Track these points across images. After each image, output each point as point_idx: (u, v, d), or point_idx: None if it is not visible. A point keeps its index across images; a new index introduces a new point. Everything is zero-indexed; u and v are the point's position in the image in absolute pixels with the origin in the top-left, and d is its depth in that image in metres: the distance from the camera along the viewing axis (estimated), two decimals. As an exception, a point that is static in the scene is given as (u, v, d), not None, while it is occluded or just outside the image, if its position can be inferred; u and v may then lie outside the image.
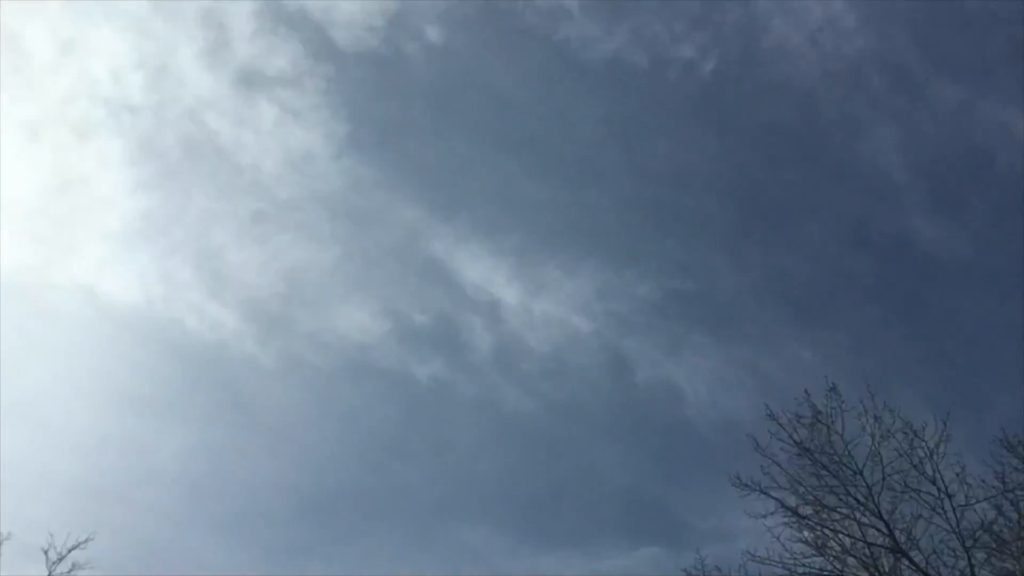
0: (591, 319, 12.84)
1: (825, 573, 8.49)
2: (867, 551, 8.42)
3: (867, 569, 8.45)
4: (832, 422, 8.78)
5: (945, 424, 8.33)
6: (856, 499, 8.57)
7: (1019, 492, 8.41)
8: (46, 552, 10.08)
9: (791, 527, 8.20)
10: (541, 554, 12.50)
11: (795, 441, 8.43)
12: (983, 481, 8.64)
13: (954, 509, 8.43)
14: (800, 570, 8.28)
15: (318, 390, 13.28)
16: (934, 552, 8.33)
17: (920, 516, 8.41)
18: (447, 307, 12.99)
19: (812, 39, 11.79)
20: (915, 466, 8.43)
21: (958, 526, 8.53)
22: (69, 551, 10.17)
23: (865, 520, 8.45)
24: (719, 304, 12.80)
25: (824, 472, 8.46)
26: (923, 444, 8.36)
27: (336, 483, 13.12)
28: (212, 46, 12.30)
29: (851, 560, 8.52)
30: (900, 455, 8.40)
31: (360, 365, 13.10)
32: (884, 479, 8.45)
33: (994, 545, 8.77)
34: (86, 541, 10.13)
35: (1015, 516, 8.56)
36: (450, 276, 12.85)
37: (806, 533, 8.33)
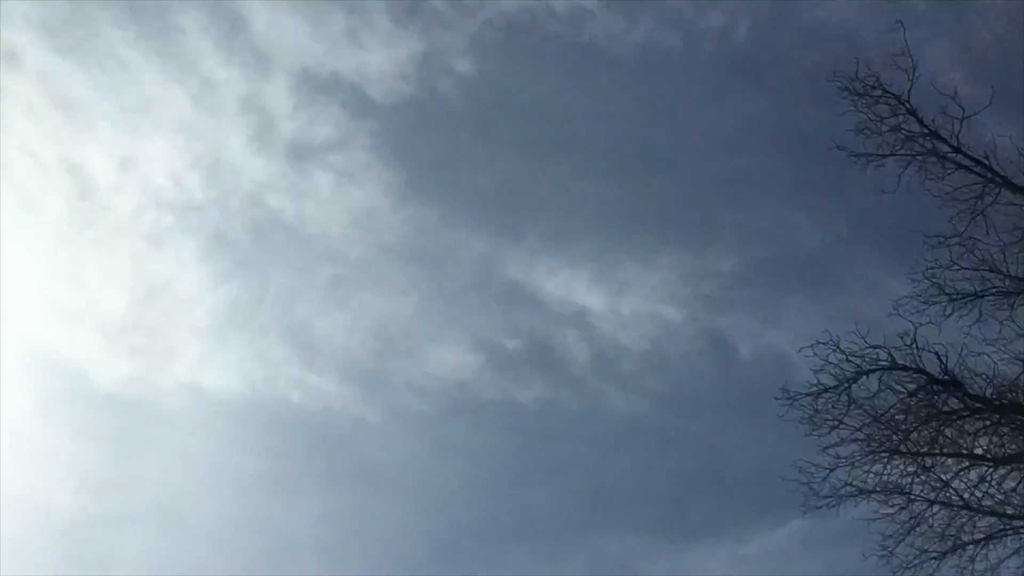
0: (681, 306, 13.62)
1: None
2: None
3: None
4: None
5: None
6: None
7: None
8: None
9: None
10: (683, 549, 13.24)
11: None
12: None
13: None
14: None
15: (427, 434, 13.90)
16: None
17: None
18: (536, 326, 13.73)
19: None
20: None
21: None
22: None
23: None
24: (807, 261, 13.59)
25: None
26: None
27: (463, 519, 13.71)
28: (258, 130, 13.09)
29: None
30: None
31: (463, 402, 13.74)
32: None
33: None
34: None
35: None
36: (532, 296, 13.62)
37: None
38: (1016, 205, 8.31)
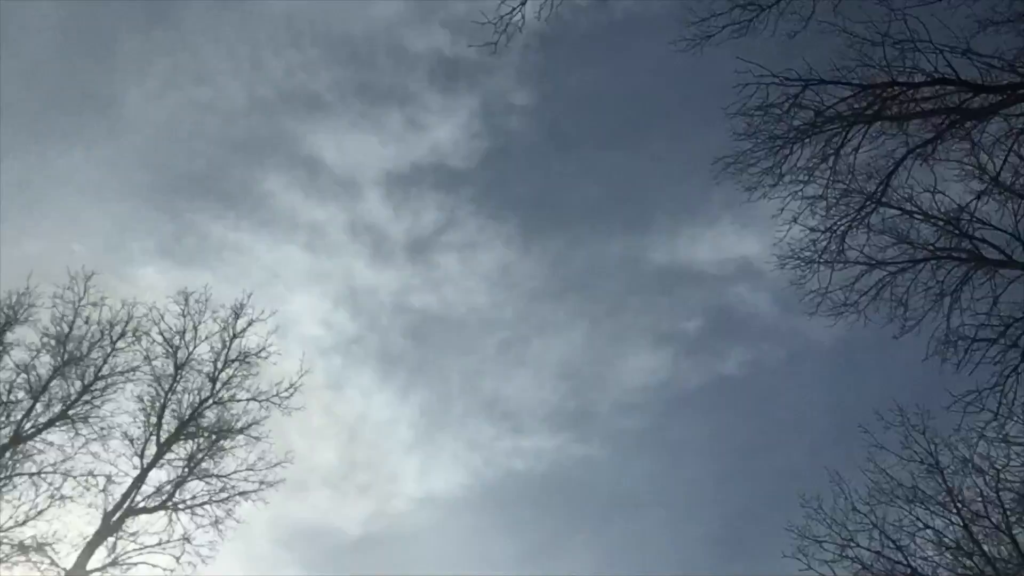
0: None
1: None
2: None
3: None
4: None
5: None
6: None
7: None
8: None
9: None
10: None
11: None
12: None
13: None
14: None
15: (654, 443, 13.98)
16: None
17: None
18: (706, 298, 13.53)
19: None
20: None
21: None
22: None
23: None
24: None
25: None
26: None
27: (732, 509, 13.63)
28: (374, 247, 13.69)
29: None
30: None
31: (673, 399, 13.73)
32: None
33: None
34: None
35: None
36: (688, 271, 13.42)
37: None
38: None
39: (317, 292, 13.99)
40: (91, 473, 8.76)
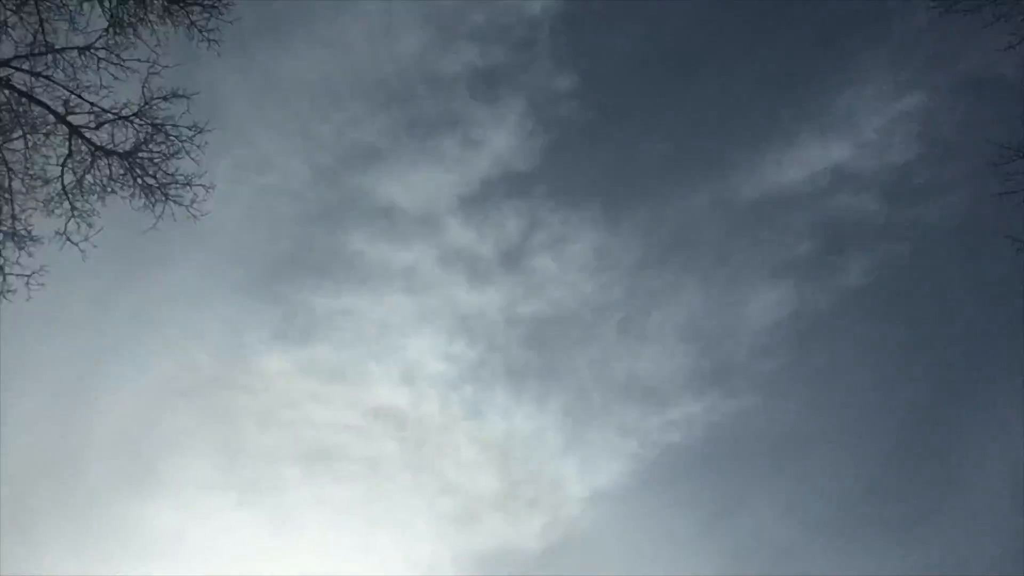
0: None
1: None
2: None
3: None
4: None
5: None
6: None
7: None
8: None
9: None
10: None
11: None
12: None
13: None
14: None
15: (802, 376, 13.78)
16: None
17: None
18: (810, 218, 13.25)
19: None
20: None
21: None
22: None
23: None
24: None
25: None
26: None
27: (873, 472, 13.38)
28: (469, 271, 13.92)
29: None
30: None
31: (807, 327, 13.53)
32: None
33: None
34: None
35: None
36: (786, 195, 13.13)
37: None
38: None
39: (429, 331, 14.24)
40: None
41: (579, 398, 14.01)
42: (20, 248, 8.01)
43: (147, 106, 8.07)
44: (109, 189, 8.21)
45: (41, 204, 8.17)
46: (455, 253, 13.99)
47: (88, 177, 8.22)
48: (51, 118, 8.03)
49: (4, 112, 7.89)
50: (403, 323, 14.16)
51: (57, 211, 8.20)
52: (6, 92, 7.81)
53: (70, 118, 8.06)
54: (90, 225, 8.18)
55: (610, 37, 13.23)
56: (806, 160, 13.01)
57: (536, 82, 13.45)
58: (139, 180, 8.28)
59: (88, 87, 7.96)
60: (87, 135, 8.14)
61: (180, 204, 8.33)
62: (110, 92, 8.00)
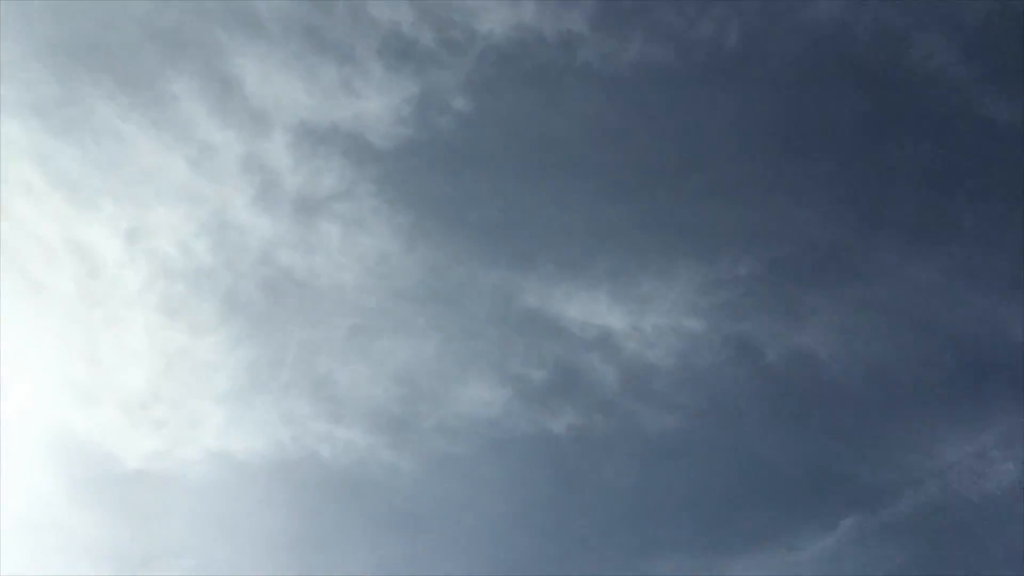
0: (703, 317, 13.46)
1: None
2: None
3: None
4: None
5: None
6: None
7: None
8: None
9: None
10: (732, 562, 13.03)
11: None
12: None
13: None
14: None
15: (462, 475, 13.66)
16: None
17: None
18: (560, 354, 13.53)
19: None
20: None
21: None
22: None
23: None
24: (823, 256, 13.51)
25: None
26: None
27: (510, 556, 13.44)
28: (261, 189, 13.06)
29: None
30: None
31: (495, 439, 13.51)
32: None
33: None
34: None
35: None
36: (553, 323, 13.44)
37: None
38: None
39: (185, 211, 13.25)
40: None
41: (271, 364, 13.53)
42: None
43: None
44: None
45: None
46: (260, 165, 13.24)
47: None
48: None
49: None
50: (166, 186, 13.12)
51: None
52: None
53: None
54: None
55: (523, 97, 13.42)
56: (591, 309, 13.73)
57: (439, 84, 13.32)
58: None
59: None
60: None
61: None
62: None
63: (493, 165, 13.56)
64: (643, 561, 13.60)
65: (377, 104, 13.10)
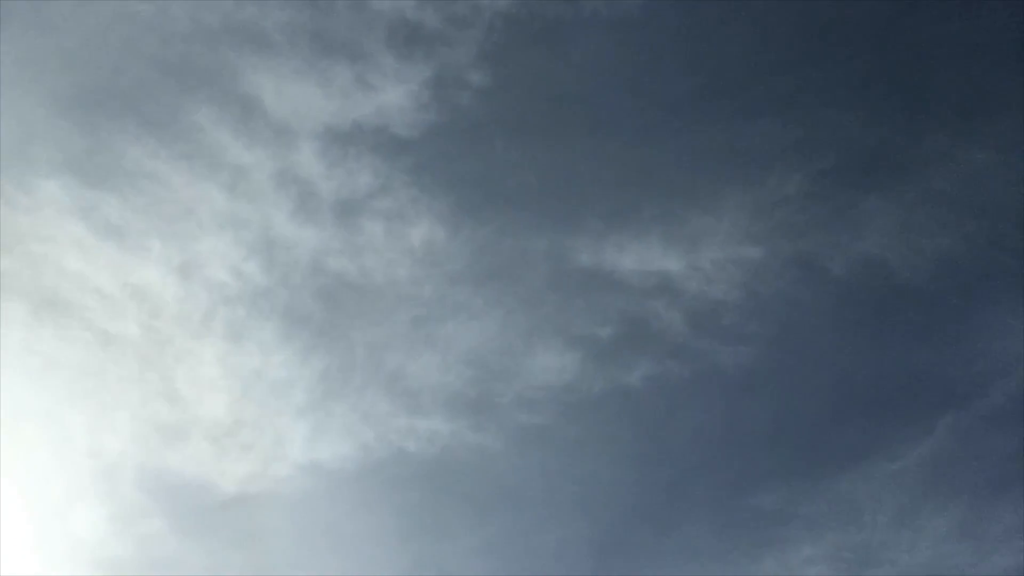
0: (760, 243, 13.27)
1: None
2: None
3: None
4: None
5: None
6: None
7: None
8: None
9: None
10: (836, 481, 13.12)
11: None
12: None
13: None
14: None
15: (549, 444, 13.75)
16: None
17: None
18: (623, 307, 13.43)
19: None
20: None
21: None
22: None
23: None
24: (870, 157, 13.23)
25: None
26: None
27: (613, 517, 13.61)
28: (298, 201, 13.11)
29: None
30: None
31: (574, 403, 13.55)
32: None
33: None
34: None
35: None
36: (610, 278, 13.35)
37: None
38: None
39: (231, 238, 13.37)
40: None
41: (342, 369, 13.63)
42: None
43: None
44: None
45: None
46: (294, 177, 13.30)
47: None
48: None
49: None
50: (208, 215, 13.22)
51: None
52: None
53: None
54: None
55: (539, 61, 13.27)
56: (644, 257, 13.58)
57: (453, 62, 13.24)
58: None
59: None
60: None
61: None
62: None
63: (521, 132, 13.45)
64: (746, 496, 13.50)
65: (395, 95, 13.05)
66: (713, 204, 13.49)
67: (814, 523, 13.46)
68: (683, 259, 13.54)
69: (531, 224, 13.55)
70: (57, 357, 12.83)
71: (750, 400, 13.79)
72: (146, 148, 12.94)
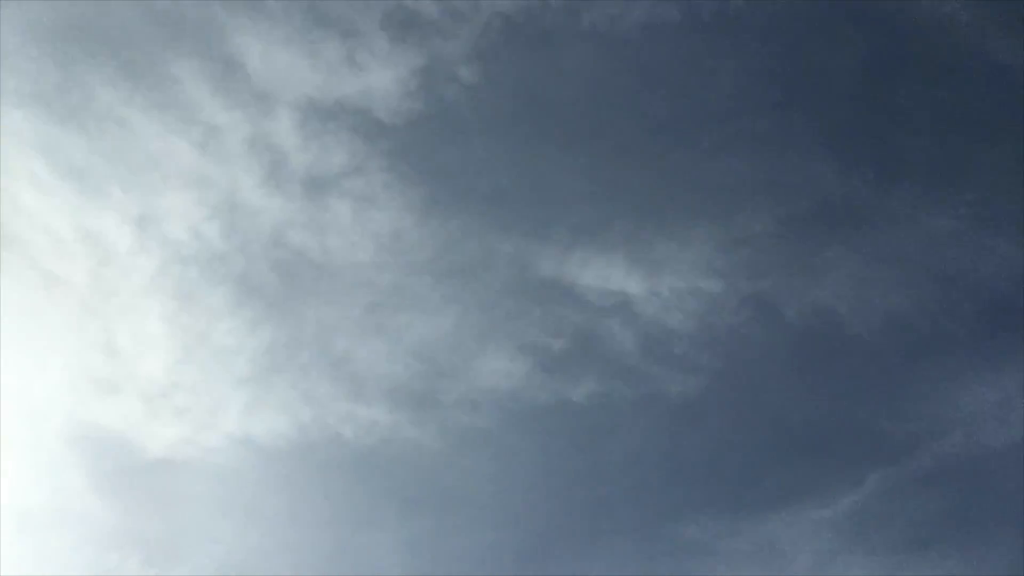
0: (720, 277, 13.36)
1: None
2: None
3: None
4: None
5: None
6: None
7: None
8: None
9: None
10: (762, 521, 13.02)
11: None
12: None
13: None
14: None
15: (486, 448, 13.64)
16: None
17: None
18: (578, 321, 13.42)
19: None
20: None
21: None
22: None
23: None
24: (837, 209, 13.42)
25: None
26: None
27: (539, 527, 13.44)
28: (269, 169, 12.89)
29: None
30: None
31: (517, 410, 13.46)
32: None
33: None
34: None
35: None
36: (569, 291, 13.33)
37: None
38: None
39: (194, 196, 13.10)
40: None
41: (288, 345, 13.42)
42: None
43: None
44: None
45: None
46: (268, 144, 13.08)
47: None
48: None
49: None
50: (174, 170, 12.93)
51: None
52: None
53: None
54: None
55: (532, 65, 13.28)
56: (606, 275, 13.64)
57: (446, 55, 13.16)
58: None
59: None
60: None
61: None
62: None
63: (503, 134, 13.43)
64: (671, 524, 13.60)
65: (383, 78, 12.95)
66: (681, 233, 13.62)
67: (734, 560, 13.60)
68: (644, 282, 13.64)
69: (499, 226, 13.53)
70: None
71: (690, 430, 13.91)
72: (120, 92, 12.62)
